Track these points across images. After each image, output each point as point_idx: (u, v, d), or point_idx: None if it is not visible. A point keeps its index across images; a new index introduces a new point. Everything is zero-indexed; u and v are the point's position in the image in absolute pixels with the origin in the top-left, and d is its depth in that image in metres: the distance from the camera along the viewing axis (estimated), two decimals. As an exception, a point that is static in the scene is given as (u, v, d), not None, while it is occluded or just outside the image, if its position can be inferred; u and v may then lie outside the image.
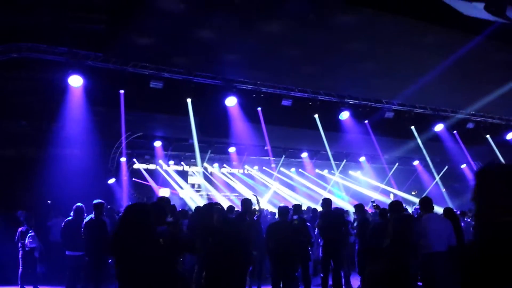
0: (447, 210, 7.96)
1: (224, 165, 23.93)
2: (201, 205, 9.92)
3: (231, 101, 12.68)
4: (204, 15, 9.06)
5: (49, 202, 13.05)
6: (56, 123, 12.71)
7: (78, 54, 10.69)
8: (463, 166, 23.16)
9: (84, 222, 8.26)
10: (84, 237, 8.18)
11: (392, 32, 9.44)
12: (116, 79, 11.54)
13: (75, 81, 10.74)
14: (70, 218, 8.63)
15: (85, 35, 9.93)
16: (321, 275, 8.94)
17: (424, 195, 22.39)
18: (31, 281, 9.66)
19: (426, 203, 6.89)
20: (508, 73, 11.44)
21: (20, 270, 9.62)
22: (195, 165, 22.77)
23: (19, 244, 9.68)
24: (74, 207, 8.64)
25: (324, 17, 9.13)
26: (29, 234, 9.68)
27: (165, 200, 6.51)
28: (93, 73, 10.99)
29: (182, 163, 22.79)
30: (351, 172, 26.28)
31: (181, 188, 22.16)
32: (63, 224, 8.81)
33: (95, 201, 8.43)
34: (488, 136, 17.31)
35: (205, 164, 21.69)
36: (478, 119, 16.76)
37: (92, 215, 8.30)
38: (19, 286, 9.44)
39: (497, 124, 17.23)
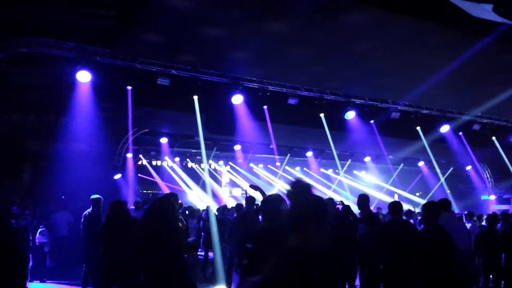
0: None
1: (230, 163, 24.00)
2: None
3: (237, 99, 12.72)
4: (212, 12, 9.10)
5: (63, 197, 13.17)
6: (63, 118, 12.80)
7: (86, 50, 10.73)
8: (468, 167, 23.11)
9: (84, 216, 8.50)
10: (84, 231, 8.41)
11: (400, 33, 9.43)
12: (123, 75, 11.57)
13: (83, 76, 10.79)
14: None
15: (94, 31, 9.98)
16: None
17: (429, 196, 22.35)
18: (40, 275, 9.78)
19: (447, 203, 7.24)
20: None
21: (30, 264, 9.75)
22: (201, 162, 22.87)
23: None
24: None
25: (332, 17, 9.14)
26: (40, 229, 9.80)
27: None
28: (101, 69, 11.04)
29: (187, 159, 22.88)
30: (355, 172, 26.28)
31: (189, 187, 22.23)
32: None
33: (92, 196, 8.66)
34: (494, 138, 17.24)
35: (210, 161, 21.76)
36: (484, 120, 16.68)
37: (90, 210, 8.50)
38: (28, 280, 9.56)
39: (504, 126, 17.14)
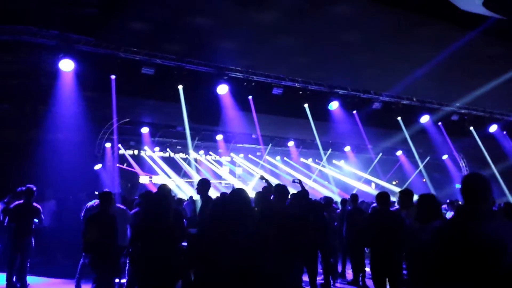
0: None
1: (210, 152, 23.93)
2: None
3: (222, 89, 12.65)
4: (198, 1, 9.00)
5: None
6: (44, 107, 12.53)
7: (69, 38, 10.49)
8: (445, 157, 23.59)
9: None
10: None
11: (387, 24, 9.50)
12: (107, 64, 11.39)
13: (66, 65, 10.56)
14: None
15: (77, 19, 9.74)
16: None
17: (406, 185, 22.74)
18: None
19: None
20: (495, 67, 11.64)
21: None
22: (181, 152, 22.75)
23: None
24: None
25: (318, 7, 9.14)
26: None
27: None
28: (85, 57, 10.83)
29: (167, 149, 22.71)
30: (335, 161, 26.52)
31: (168, 176, 22.09)
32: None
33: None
34: (471, 128, 17.61)
35: (191, 151, 21.65)
36: (463, 111, 17.01)
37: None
38: None
39: (481, 116, 17.52)
